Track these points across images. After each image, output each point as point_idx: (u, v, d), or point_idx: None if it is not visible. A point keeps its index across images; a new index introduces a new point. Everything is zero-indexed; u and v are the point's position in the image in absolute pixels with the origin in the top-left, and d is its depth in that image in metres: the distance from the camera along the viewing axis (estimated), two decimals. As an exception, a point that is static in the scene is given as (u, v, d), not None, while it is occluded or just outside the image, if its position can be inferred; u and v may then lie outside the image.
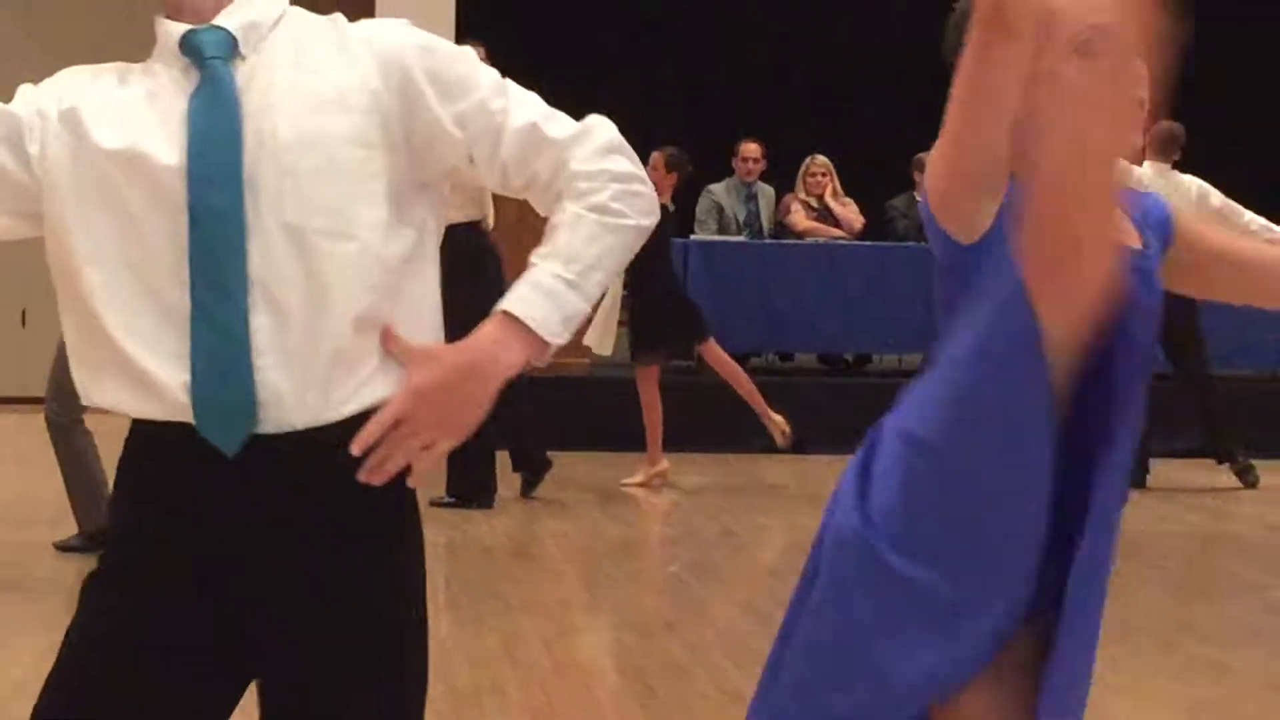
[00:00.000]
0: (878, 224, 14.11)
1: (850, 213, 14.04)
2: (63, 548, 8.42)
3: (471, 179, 2.65)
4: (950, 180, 2.60)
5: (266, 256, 2.49)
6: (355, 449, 2.48)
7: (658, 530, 10.16)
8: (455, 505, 9.60)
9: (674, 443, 11.06)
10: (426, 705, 2.65)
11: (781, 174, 14.34)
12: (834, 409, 11.52)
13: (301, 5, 2.66)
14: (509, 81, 2.63)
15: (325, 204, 2.50)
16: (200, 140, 2.50)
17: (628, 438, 11.12)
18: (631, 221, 2.59)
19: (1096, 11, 2.53)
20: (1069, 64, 2.55)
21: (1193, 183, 10.46)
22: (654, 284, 10.48)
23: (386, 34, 2.60)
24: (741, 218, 14.24)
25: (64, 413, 8.38)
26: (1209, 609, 7.83)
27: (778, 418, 10.93)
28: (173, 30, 2.58)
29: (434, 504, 9.38)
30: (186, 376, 2.49)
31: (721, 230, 14.04)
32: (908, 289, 12.08)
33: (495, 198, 9.39)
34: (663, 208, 10.99)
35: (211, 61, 2.54)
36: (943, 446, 2.60)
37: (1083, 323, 2.48)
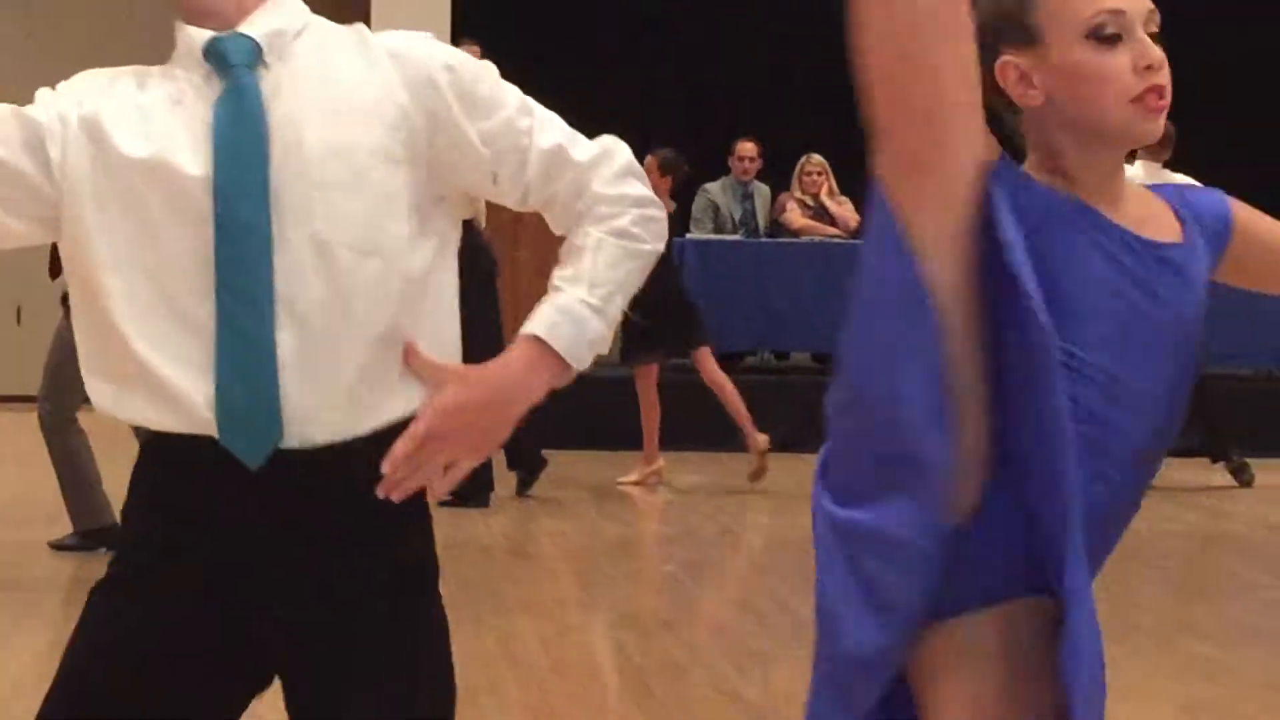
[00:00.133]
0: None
1: (846, 211, 14.05)
2: (58, 546, 8.42)
3: (488, 195, 2.64)
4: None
5: (291, 270, 2.46)
6: (386, 467, 2.47)
7: (655, 529, 10.15)
8: (452, 504, 9.60)
9: (670, 442, 11.05)
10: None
11: (778, 173, 14.34)
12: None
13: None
14: (532, 100, 2.62)
15: (352, 218, 2.48)
16: (226, 152, 2.48)
17: (624, 437, 11.12)
18: (649, 246, 2.62)
19: None
20: (1080, 51, 2.54)
21: (1184, 183, 10.45)
22: (657, 285, 10.46)
23: (414, 48, 2.58)
24: (737, 216, 14.25)
25: (57, 412, 8.38)
26: (1208, 608, 7.83)
27: (761, 437, 10.87)
28: (195, 36, 2.55)
29: (430, 503, 9.38)
30: (210, 389, 2.47)
31: (717, 229, 14.05)
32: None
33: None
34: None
35: (237, 70, 2.51)
36: (853, 384, 2.56)
37: (959, 225, 2.45)
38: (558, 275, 2.59)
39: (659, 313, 10.54)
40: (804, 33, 16.86)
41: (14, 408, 12.85)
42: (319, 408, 2.47)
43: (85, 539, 8.40)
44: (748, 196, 14.33)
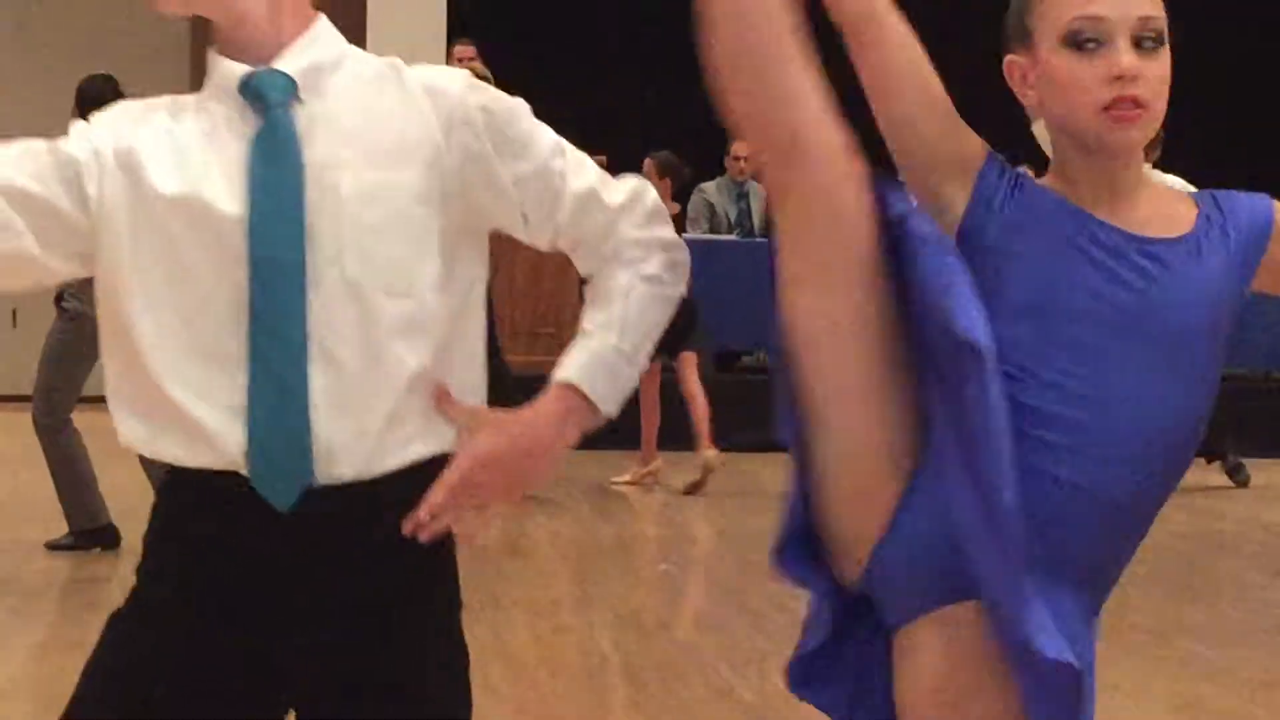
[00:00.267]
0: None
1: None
2: (54, 546, 8.42)
3: (518, 235, 2.63)
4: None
5: (324, 311, 2.45)
6: (422, 514, 2.46)
7: (650, 529, 10.15)
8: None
9: (666, 442, 11.05)
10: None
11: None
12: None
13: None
14: (564, 141, 2.61)
15: (384, 260, 2.47)
16: (262, 192, 2.45)
17: (621, 436, 11.11)
18: (675, 291, 2.62)
19: (1091, 4, 2.52)
20: (1057, 56, 2.55)
21: (1175, 183, 10.46)
22: None
23: (450, 86, 2.56)
24: (733, 216, 14.24)
25: (51, 414, 8.38)
26: (1204, 608, 7.82)
27: (711, 453, 10.85)
28: (231, 71, 2.52)
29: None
30: (240, 430, 2.45)
31: (713, 229, 14.04)
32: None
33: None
34: None
35: (273, 109, 2.49)
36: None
37: (848, 253, 2.48)
38: (589, 319, 2.58)
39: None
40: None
41: (10, 408, 12.84)
42: (346, 447, 2.46)
43: (81, 539, 8.41)
44: (743, 196, 14.33)
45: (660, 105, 15.70)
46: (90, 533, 8.40)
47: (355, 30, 9.82)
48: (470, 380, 2.57)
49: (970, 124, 2.61)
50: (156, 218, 2.48)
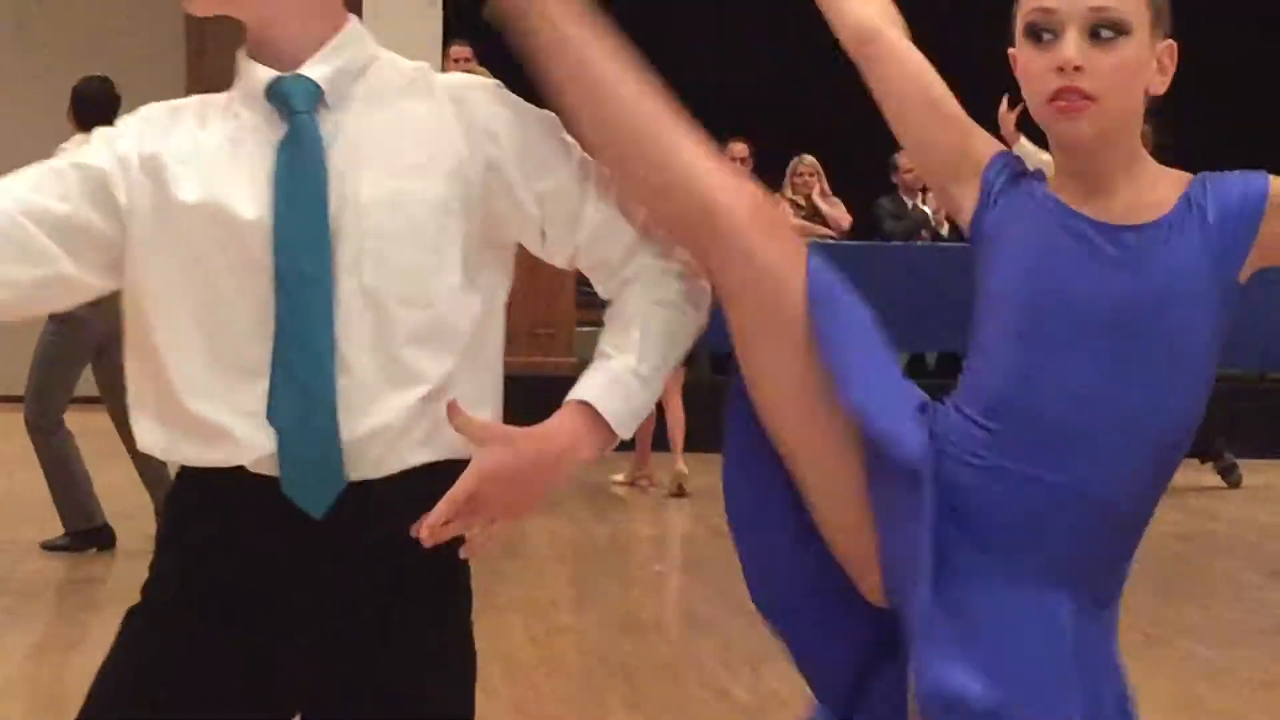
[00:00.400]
0: (865, 224, 14.11)
1: (838, 212, 14.04)
2: (50, 547, 8.41)
3: (536, 251, 2.61)
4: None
5: (343, 319, 2.43)
6: (424, 530, 2.43)
7: (646, 530, 10.14)
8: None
9: (661, 443, 11.04)
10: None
11: (769, 174, 14.33)
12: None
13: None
14: (590, 160, 2.58)
15: (403, 269, 2.45)
16: (286, 201, 2.44)
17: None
18: (695, 317, 2.61)
19: None
20: (1021, 48, 2.56)
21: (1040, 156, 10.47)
22: None
23: (477, 98, 2.54)
24: (728, 217, 14.24)
25: (43, 415, 8.37)
26: (1201, 608, 7.83)
27: (683, 467, 10.87)
28: (259, 75, 2.51)
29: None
30: (266, 436, 2.44)
31: (709, 229, 14.04)
32: (895, 289, 12.07)
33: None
34: None
35: (299, 116, 2.48)
36: None
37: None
38: (606, 341, 2.57)
39: None
40: (796, 34, 16.88)
41: (6, 409, 12.83)
42: (358, 451, 2.44)
43: (77, 540, 8.40)
44: (738, 197, 14.31)
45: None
46: (86, 533, 8.40)
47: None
48: (486, 389, 2.55)
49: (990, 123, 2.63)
50: (180, 225, 2.47)
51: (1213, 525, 10.27)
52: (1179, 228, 2.53)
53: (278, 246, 2.43)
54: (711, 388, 11.10)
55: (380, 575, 2.49)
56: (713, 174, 2.52)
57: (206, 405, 2.46)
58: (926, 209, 14.29)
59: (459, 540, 2.53)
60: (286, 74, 2.50)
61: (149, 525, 8.26)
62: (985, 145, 2.67)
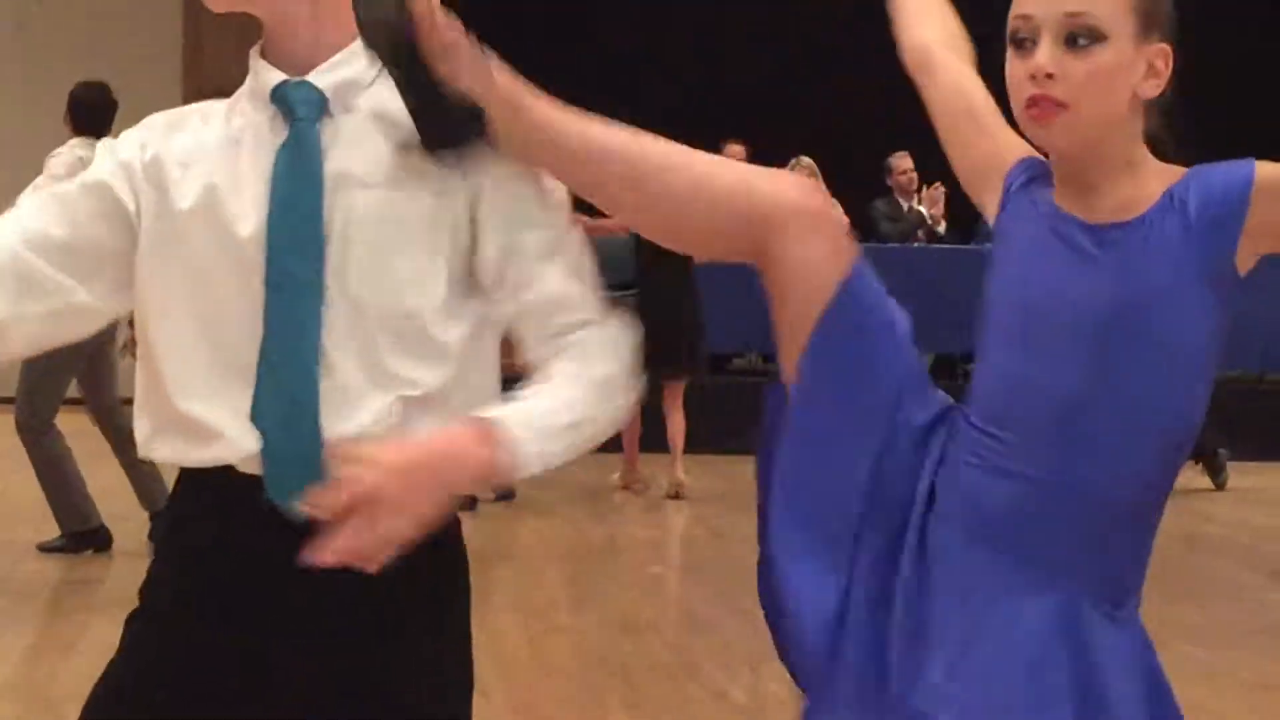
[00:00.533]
0: (861, 226, 14.12)
1: (835, 213, 14.03)
2: (46, 549, 8.41)
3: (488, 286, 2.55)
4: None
5: (330, 324, 2.43)
6: (307, 506, 2.32)
7: (641, 531, 10.15)
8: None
9: (657, 445, 11.05)
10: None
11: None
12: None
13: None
14: (574, 237, 2.54)
15: (391, 279, 2.44)
16: (282, 206, 2.44)
17: (612, 438, 11.10)
18: (613, 412, 2.55)
19: (1020, 3, 2.52)
20: (1008, 56, 2.56)
21: None
22: (676, 301, 10.53)
23: None
24: (725, 219, 14.25)
25: (34, 418, 8.38)
26: (1196, 610, 7.83)
27: (681, 477, 10.84)
28: (267, 78, 2.51)
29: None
30: (255, 438, 2.43)
31: (706, 231, 14.05)
32: (890, 291, 12.03)
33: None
34: None
35: (300, 123, 2.48)
36: None
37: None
38: (532, 390, 2.48)
39: (673, 329, 10.51)
40: (793, 35, 16.91)
41: (1, 410, 12.83)
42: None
43: (73, 541, 8.40)
44: (735, 199, 14.33)
45: (653, 106, 15.74)
46: (82, 534, 8.40)
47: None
48: (481, 399, 2.49)
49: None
50: (179, 228, 2.47)
51: (1208, 527, 10.28)
52: (1159, 223, 2.50)
53: (270, 251, 2.43)
54: (709, 390, 11.11)
55: (376, 577, 2.48)
56: (745, 180, 2.54)
57: (201, 405, 2.45)
58: (922, 210, 14.31)
59: (458, 541, 2.53)
60: (294, 79, 2.50)
61: (145, 527, 8.27)
62: (1013, 151, 2.67)
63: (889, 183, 14.40)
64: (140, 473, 8.38)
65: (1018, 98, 2.52)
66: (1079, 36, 2.48)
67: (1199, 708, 5.98)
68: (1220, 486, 11.44)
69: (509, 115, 2.47)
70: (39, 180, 8.02)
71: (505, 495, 10.15)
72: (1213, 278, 2.50)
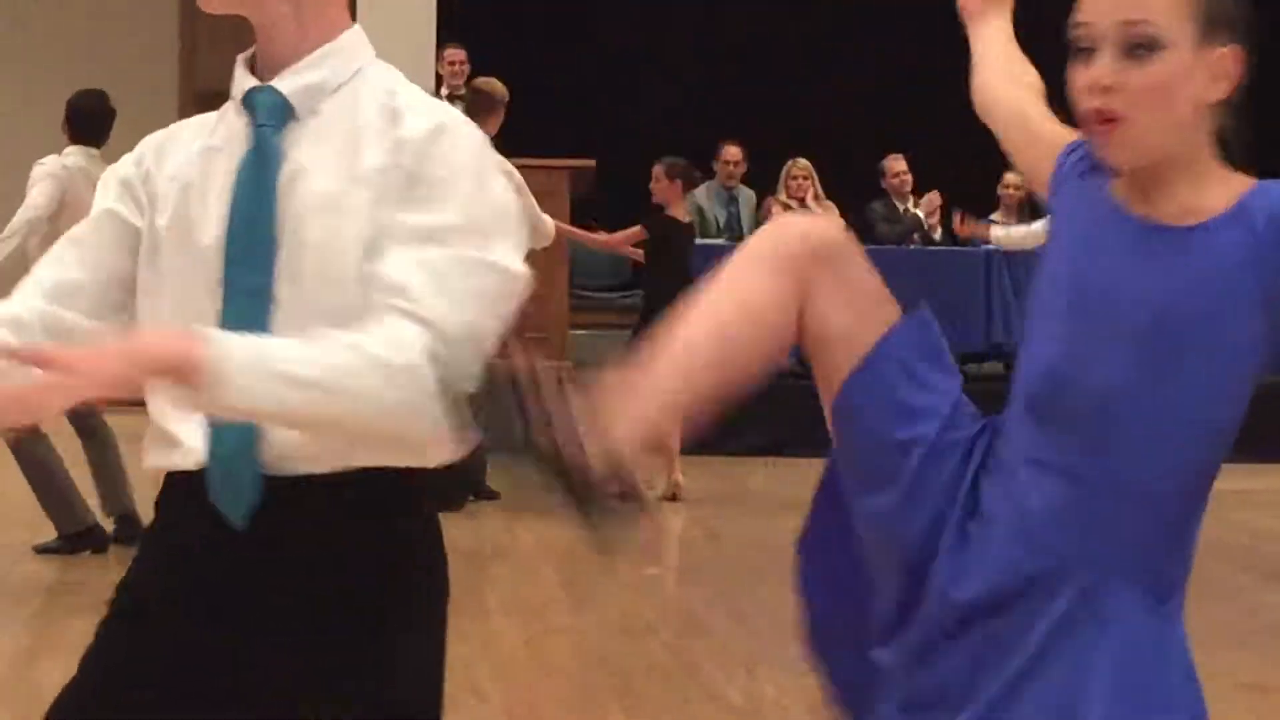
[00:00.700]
0: (859, 227, 14.12)
1: (832, 216, 14.05)
2: (42, 550, 8.41)
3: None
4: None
5: (279, 327, 2.43)
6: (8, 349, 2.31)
7: (641, 533, 10.13)
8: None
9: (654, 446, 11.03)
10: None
11: (763, 177, 14.34)
12: (813, 411, 11.49)
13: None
14: (473, 251, 2.43)
15: (339, 280, 2.43)
16: (238, 218, 2.45)
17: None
18: (370, 400, 2.34)
19: (1079, 10, 2.50)
20: (1070, 62, 2.52)
21: None
22: (675, 303, 10.49)
23: (422, 113, 2.48)
24: (722, 221, 14.25)
25: (18, 422, 8.37)
26: (1194, 611, 7.77)
27: (678, 478, 10.85)
28: (241, 85, 2.52)
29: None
30: (203, 441, 2.46)
31: (703, 234, 14.04)
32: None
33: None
34: (674, 220, 10.93)
35: (262, 129, 2.48)
36: None
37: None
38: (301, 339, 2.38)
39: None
40: (793, 36, 16.91)
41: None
42: (297, 451, 2.44)
43: (69, 542, 8.39)
44: (732, 201, 14.33)
45: (652, 108, 15.73)
46: (78, 535, 8.40)
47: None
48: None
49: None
50: (159, 242, 2.52)
51: (1207, 530, 10.24)
52: (1223, 233, 2.47)
53: (228, 261, 2.46)
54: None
55: (348, 574, 2.49)
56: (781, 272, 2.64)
57: (171, 412, 2.48)
58: (919, 213, 14.31)
59: (437, 540, 2.59)
60: (262, 84, 2.51)
61: (141, 528, 8.27)
62: (1063, 139, 2.65)
63: (884, 185, 14.40)
64: (106, 475, 8.43)
65: (1078, 109, 2.49)
66: (1136, 47, 2.44)
67: (1196, 709, 5.97)
68: None
69: (658, 438, 2.60)
70: (32, 198, 8.07)
71: (490, 495, 10.14)
72: (1270, 293, 2.48)
